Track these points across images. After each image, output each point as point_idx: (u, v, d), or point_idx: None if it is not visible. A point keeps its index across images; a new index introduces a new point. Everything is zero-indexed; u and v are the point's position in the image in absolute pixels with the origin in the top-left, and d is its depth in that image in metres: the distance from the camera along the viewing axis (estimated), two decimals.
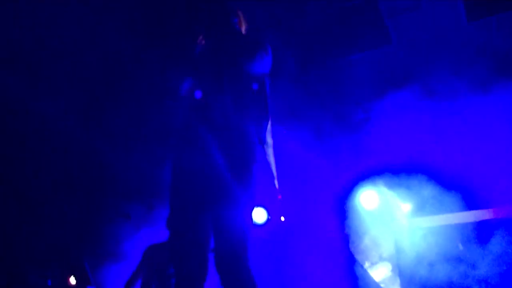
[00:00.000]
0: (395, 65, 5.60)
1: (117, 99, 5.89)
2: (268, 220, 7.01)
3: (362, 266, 6.25)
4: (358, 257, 6.29)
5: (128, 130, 6.28)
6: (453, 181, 6.20)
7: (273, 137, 2.90)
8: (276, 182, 2.91)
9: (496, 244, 5.82)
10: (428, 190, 6.20)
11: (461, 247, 5.95)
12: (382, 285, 6.25)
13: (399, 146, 6.03)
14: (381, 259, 6.37)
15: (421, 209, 6.39)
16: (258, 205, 7.30)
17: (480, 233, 6.03)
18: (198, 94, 2.71)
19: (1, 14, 4.66)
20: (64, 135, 5.75)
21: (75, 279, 5.84)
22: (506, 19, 4.90)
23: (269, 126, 2.86)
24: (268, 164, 2.85)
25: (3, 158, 5.36)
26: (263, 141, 2.82)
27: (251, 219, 2.71)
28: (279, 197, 3.03)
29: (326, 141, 6.20)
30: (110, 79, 5.61)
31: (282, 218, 7.16)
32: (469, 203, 6.18)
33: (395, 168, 6.26)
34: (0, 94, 5.10)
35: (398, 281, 6.17)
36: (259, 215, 7.11)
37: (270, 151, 2.85)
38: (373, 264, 6.36)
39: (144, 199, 6.51)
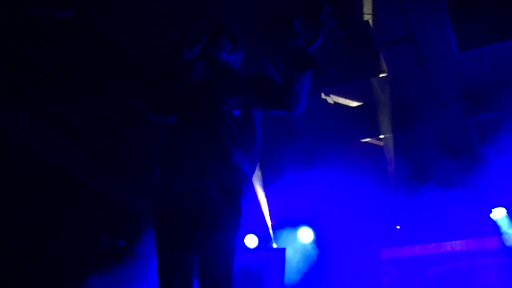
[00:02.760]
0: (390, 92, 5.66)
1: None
2: (258, 246, 7.07)
3: None
4: None
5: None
6: None
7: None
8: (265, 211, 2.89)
9: None
10: None
11: None
12: None
13: None
14: None
15: None
16: (249, 232, 7.33)
17: None
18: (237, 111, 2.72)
19: None
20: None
21: None
22: (497, 50, 4.96)
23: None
24: (255, 195, 2.84)
25: None
26: (252, 174, 2.80)
27: (238, 244, 2.67)
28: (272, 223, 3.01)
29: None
30: None
31: (274, 245, 7.20)
32: None
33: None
34: None
35: None
36: (251, 241, 7.17)
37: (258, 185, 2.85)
38: None
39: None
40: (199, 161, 2.63)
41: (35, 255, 5.39)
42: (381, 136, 6.04)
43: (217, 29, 3.00)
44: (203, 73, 2.94)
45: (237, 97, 2.80)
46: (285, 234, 7.41)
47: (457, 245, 6.46)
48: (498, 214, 6.44)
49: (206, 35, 2.87)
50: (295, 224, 7.45)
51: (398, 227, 6.80)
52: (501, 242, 6.26)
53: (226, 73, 2.96)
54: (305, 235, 7.36)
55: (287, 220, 7.37)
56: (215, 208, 2.58)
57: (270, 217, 7.03)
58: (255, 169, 2.83)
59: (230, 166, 2.64)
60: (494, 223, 6.43)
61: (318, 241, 7.33)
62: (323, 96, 5.68)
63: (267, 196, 6.70)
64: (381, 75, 5.12)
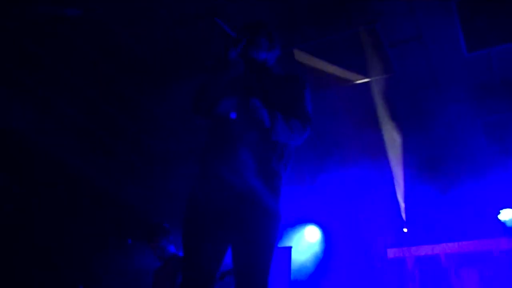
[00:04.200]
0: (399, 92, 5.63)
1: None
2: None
3: None
4: None
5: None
6: None
7: None
8: None
9: None
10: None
11: None
12: None
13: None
14: None
15: None
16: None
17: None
18: (233, 114, 2.70)
19: None
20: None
21: None
22: (506, 50, 4.93)
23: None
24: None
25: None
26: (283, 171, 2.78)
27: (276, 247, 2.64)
28: None
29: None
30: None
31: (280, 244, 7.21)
32: None
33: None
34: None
35: None
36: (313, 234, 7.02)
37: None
38: None
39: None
40: (238, 161, 2.63)
41: (41, 253, 5.43)
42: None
43: (256, 26, 2.97)
44: (240, 72, 2.94)
45: (273, 95, 2.78)
46: (292, 233, 7.42)
47: (464, 245, 6.44)
48: (506, 215, 6.42)
49: (246, 34, 2.86)
50: (302, 222, 7.47)
51: (405, 229, 6.78)
52: (510, 243, 6.23)
53: (262, 72, 2.95)
54: (312, 234, 7.37)
55: (293, 219, 7.38)
56: (253, 207, 2.58)
57: None
58: (287, 165, 2.81)
59: (264, 165, 2.65)
60: (502, 224, 6.41)
61: (325, 239, 7.34)
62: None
63: None
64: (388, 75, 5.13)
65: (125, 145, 6.31)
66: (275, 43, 3.00)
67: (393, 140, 6.00)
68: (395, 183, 6.41)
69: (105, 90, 5.61)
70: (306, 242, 7.36)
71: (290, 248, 7.25)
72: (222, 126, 2.77)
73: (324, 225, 7.40)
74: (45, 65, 5.16)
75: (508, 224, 6.34)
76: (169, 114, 5.90)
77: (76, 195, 6.01)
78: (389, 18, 4.71)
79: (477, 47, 4.90)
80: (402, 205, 6.63)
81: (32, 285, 5.38)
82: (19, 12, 4.38)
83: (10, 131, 5.32)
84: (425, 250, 6.68)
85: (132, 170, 6.51)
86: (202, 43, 4.94)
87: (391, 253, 6.90)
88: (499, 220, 6.41)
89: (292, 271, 7.12)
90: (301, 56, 5.20)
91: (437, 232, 6.65)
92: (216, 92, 2.81)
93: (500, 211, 6.41)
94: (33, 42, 4.90)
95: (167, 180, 6.63)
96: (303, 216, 7.33)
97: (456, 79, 5.29)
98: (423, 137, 5.96)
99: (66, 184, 5.93)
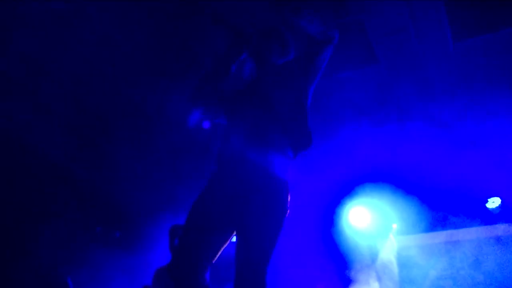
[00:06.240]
0: (383, 83, 5.62)
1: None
2: None
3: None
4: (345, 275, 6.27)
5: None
6: (438, 200, 6.24)
7: None
8: None
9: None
10: (414, 208, 6.23)
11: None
12: None
13: (383, 165, 6.07)
14: (369, 276, 6.36)
15: (407, 227, 6.41)
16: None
17: (471, 251, 6.06)
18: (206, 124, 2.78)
19: None
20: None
21: None
22: (492, 40, 4.92)
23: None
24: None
25: None
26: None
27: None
28: None
29: (313, 158, 6.21)
30: None
31: None
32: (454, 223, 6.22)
33: (380, 187, 6.28)
34: None
35: None
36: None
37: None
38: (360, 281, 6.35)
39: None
40: (248, 158, 2.70)
41: (29, 246, 5.41)
42: None
43: (270, 31, 3.08)
44: (252, 74, 3.03)
45: (287, 92, 2.86)
46: None
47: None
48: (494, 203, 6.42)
49: (259, 37, 2.97)
50: None
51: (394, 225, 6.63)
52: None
53: (273, 75, 3.00)
54: None
55: None
56: (261, 196, 2.63)
57: None
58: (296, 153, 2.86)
59: (275, 159, 2.71)
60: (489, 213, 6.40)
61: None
62: None
63: None
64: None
65: (113, 139, 6.27)
66: (289, 51, 3.11)
67: None
68: None
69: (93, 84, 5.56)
70: None
71: None
72: (234, 124, 2.86)
73: None
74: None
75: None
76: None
77: (64, 189, 6.00)
78: (375, 8, 4.67)
79: (463, 37, 4.91)
80: None
81: (19, 278, 5.38)
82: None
83: None
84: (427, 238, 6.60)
85: (116, 160, 6.47)
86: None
87: None
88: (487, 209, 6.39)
89: None
90: None
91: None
92: (218, 89, 2.91)
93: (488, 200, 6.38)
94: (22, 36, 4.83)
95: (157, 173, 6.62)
96: None
97: (443, 69, 5.25)
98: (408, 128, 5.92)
99: (53, 177, 5.91)
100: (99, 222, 6.01)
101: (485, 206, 6.24)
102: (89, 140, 6.03)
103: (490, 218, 6.11)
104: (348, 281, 6.18)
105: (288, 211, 2.70)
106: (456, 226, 6.20)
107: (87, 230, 6.20)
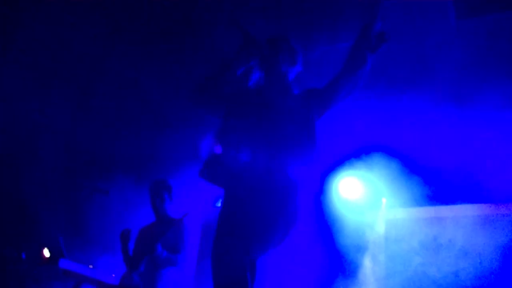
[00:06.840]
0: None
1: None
2: None
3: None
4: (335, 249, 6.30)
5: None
6: (432, 174, 6.22)
7: None
8: None
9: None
10: (405, 181, 6.21)
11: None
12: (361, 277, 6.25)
13: (377, 136, 6.05)
14: (360, 251, 6.36)
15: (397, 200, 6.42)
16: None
17: (462, 228, 6.09)
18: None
19: None
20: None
21: (49, 251, 5.88)
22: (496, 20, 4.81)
23: None
24: None
25: None
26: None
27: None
28: None
29: None
30: None
31: None
32: (448, 197, 6.22)
33: (371, 159, 6.26)
34: None
35: (377, 273, 6.20)
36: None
37: None
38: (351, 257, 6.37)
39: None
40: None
41: (19, 205, 5.49)
42: None
43: (279, 40, 3.08)
44: (259, 82, 3.05)
45: (292, 109, 2.89)
46: None
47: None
48: None
49: (268, 46, 2.99)
50: None
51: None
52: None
53: (280, 85, 3.03)
54: None
55: None
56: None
57: None
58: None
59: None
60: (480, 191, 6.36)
61: None
62: None
63: None
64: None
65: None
66: (297, 60, 3.12)
67: None
68: None
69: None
70: None
71: None
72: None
73: None
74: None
75: None
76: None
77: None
78: None
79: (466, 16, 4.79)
80: None
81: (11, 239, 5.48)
82: None
83: None
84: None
85: None
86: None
87: None
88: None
89: None
90: None
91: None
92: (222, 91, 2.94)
93: None
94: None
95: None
96: None
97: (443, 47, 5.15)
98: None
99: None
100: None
101: (476, 184, 6.21)
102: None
103: (480, 196, 6.10)
104: (338, 254, 6.23)
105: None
106: (446, 202, 6.20)
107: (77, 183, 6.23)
